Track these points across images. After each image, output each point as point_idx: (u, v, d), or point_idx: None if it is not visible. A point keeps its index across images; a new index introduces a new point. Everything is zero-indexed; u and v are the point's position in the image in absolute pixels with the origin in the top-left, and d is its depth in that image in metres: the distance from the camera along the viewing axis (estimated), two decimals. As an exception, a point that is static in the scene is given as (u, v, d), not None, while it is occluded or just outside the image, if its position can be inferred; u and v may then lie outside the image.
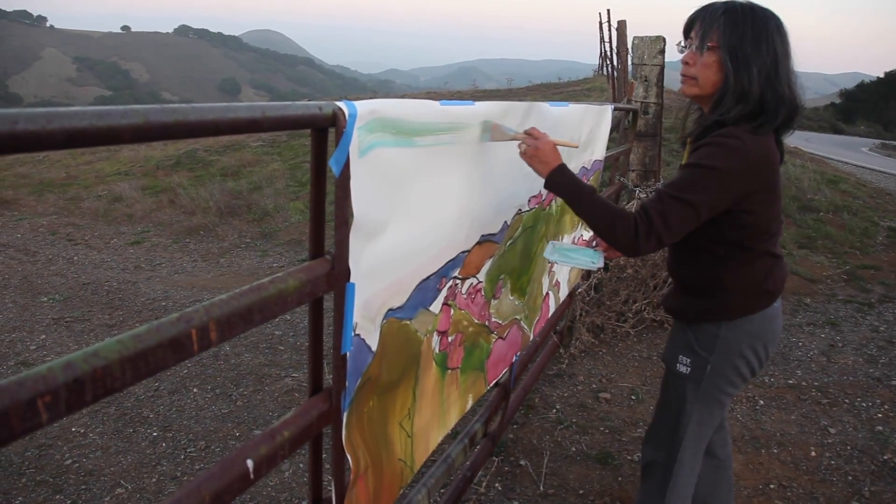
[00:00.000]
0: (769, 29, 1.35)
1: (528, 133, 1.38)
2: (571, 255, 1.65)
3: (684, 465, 1.58)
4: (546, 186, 1.39)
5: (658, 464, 1.63)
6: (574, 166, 2.14)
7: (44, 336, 3.70)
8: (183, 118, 0.62)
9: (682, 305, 1.57)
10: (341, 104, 0.84)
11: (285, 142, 8.79)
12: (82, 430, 2.71)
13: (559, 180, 1.37)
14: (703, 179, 1.32)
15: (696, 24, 1.41)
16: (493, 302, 1.60)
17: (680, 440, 1.57)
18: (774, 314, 1.52)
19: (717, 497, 1.78)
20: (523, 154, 1.38)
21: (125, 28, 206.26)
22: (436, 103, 1.08)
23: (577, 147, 1.56)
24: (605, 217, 1.34)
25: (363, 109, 0.86)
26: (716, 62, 1.37)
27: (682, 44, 1.45)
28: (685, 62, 1.43)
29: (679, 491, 1.59)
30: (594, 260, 1.63)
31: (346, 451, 1.01)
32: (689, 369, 1.53)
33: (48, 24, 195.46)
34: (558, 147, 1.41)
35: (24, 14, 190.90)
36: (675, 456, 1.58)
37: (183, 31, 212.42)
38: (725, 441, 1.79)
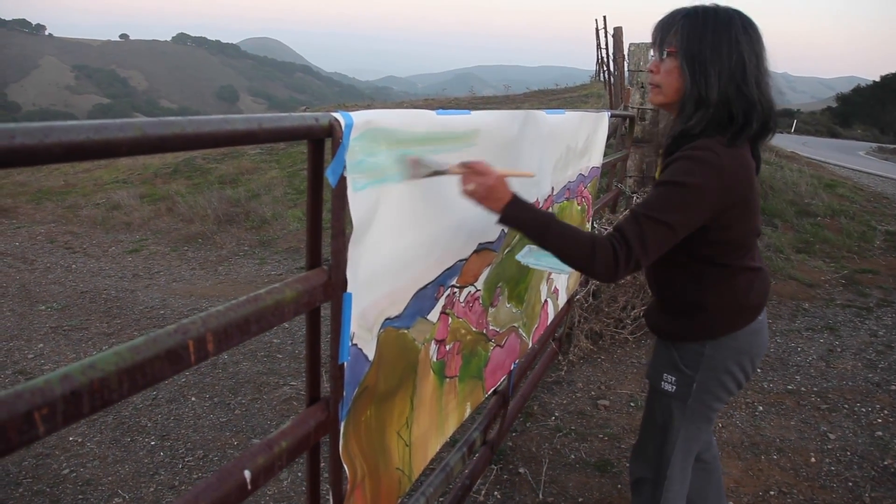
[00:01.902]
0: (732, 30, 1.28)
1: (469, 167, 1.17)
2: (547, 257, 1.61)
3: (674, 480, 1.55)
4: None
5: (647, 480, 1.60)
6: (571, 173, 2.15)
7: (42, 345, 3.69)
8: (180, 131, 0.63)
9: (664, 324, 1.52)
10: (337, 115, 0.84)
11: (284, 149, 8.80)
12: (80, 440, 2.70)
13: (518, 215, 1.22)
14: (680, 197, 1.24)
15: (658, 31, 1.36)
16: (491, 310, 1.60)
17: (668, 457, 1.54)
18: (759, 328, 1.47)
19: (707, 500, 1.77)
20: (471, 193, 1.19)
21: (123, 36, 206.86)
22: (432, 113, 1.08)
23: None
24: (581, 247, 1.22)
25: (359, 120, 0.87)
26: (676, 68, 1.32)
27: (652, 52, 1.41)
28: (650, 70, 1.38)
29: None
30: None
31: (343, 461, 1.01)
32: (674, 388, 1.49)
33: (47, 33, 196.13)
34: (512, 178, 1.24)
35: (22, 23, 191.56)
36: (664, 473, 1.55)
37: (181, 39, 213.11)
38: (710, 443, 1.77)
